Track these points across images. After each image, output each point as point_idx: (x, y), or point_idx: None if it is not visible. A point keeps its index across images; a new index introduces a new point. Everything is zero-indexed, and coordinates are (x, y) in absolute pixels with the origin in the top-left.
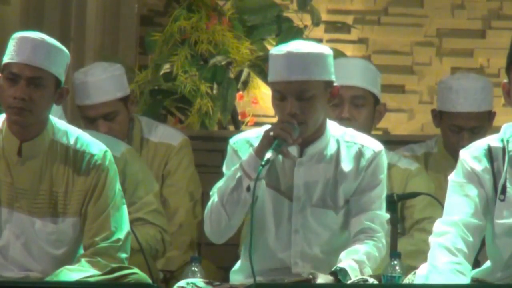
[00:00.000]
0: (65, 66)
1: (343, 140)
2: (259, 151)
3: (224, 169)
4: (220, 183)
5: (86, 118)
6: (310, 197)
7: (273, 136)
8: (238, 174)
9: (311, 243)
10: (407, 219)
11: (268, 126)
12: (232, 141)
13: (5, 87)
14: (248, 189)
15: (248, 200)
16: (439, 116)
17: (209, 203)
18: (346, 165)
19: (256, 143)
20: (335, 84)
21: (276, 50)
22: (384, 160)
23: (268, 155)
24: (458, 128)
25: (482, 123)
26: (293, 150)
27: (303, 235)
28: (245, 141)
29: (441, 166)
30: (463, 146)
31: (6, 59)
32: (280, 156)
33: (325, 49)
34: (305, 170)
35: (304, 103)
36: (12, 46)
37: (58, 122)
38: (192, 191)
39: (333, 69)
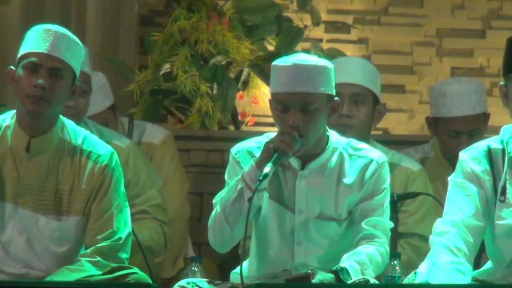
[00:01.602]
0: (81, 63)
1: (347, 153)
2: (260, 164)
3: (226, 177)
4: (222, 194)
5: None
6: (312, 210)
7: (273, 149)
8: (240, 186)
9: (314, 254)
10: (400, 224)
11: (269, 134)
12: (233, 150)
13: (23, 77)
14: (249, 200)
15: (251, 211)
16: (434, 123)
17: (212, 213)
18: (350, 178)
19: (257, 154)
20: (335, 98)
21: (281, 61)
22: (387, 170)
23: (267, 169)
24: (456, 132)
25: (479, 125)
26: (295, 163)
27: (306, 246)
28: (246, 152)
29: (437, 172)
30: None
31: (25, 49)
32: (282, 169)
33: (328, 63)
34: (307, 183)
35: (307, 116)
36: (33, 37)
37: (66, 121)
38: (177, 186)
39: (334, 83)
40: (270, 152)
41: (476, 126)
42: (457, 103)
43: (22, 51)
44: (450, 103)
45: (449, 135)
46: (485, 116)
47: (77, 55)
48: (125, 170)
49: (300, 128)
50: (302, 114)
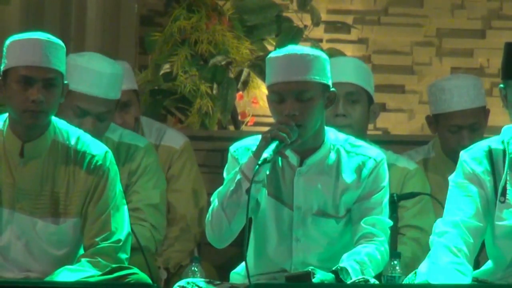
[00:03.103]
0: (65, 61)
1: (344, 150)
2: (258, 153)
3: (225, 174)
4: (220, 188)
5: None
6: (310, 207)
7: (271, 137)
8: (238, 177)
9: (312, 251)
10: (399, 220)
11: None
12: (232, 148)
13: (17, 91)
14: (247, 191)
15: (250, 203)
16: (434, 121)
17: (210, 208)
18: (348, 176)
19: None
20: (332, 89)
21: (274, 53)
22: (385, 168)
23: (265, 154)
24: (457, 127)
25: (479, 119)
26: (293, 159)
27: (304, 244)
28: (245, 149)
29: (440, 170)
30: (464, 146)
31: (12, 63)
32: (280, 165)
33: (321, 53)
34: (305, 180)
35: (303, 105)
36: (18, 49)
37: (59, 122)
38: (197, 195)
39: (330, 75)
40: (268, 140)
41: (476, 120)
42: (456, 97)
43: (9, 64)
44: (449, 98)
45: (450, 130)
46: (484, 110)
47: (62, 57)
48: (137, 168)
49: (297, 117)
50: (298, 103)
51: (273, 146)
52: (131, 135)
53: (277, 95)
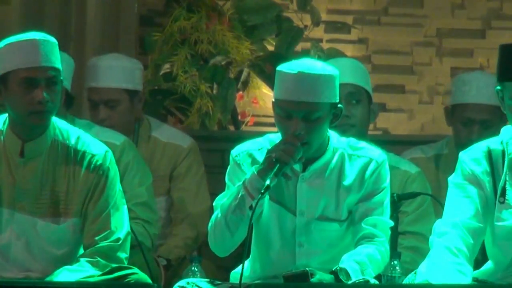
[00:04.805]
0: (59, 57)
1: (346, 153)
2: (262, 173)
3: (227, 179)
4: (224, 198)
5: (90, 101)
6: (313, 211)
7: (275, 159)
8: (241, 193)
9: (315, 255)
10: (399, 224)
11: (269, 136)
12: (234, 153)
13: (20, 93)
14: (251, 207)
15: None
16: (451, 112)
17: (213, 217)
18: (350, 179)
19: (258, 156)
20: (339, 105)
21: (286, 68)
22: (387, 168)
23: (268, 181)
24: (469, 120)
25: (493, 117)
26: (296, 165)
27: (307, 248)
28: (247, 154)
29: (451, 167)
30: (473, 141)
31: (11, 65)
32: None
33: (333, 70)
34: (308, 185)
35: (310, 124)
36: (14, 52)
37: (59, 122)
38: (202, 196)
39: (338, 90)
40: (272, 162)
41: (489, 117)
42: (474, 91)
43: (8, 67)
44: (468, 90)
45: (462, 122)
46: (501, 111)
47: (58, 54)
48: (117, 167)
49: (303, 136)
50: (305, 123)
51: (276, 169)
52: (108, 132)
53: (284, 112)
